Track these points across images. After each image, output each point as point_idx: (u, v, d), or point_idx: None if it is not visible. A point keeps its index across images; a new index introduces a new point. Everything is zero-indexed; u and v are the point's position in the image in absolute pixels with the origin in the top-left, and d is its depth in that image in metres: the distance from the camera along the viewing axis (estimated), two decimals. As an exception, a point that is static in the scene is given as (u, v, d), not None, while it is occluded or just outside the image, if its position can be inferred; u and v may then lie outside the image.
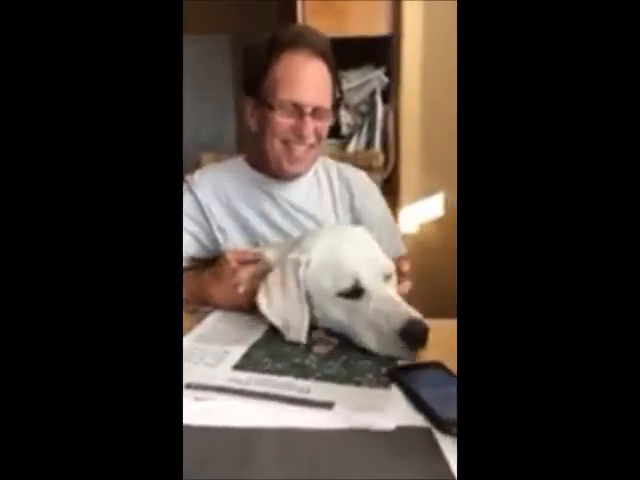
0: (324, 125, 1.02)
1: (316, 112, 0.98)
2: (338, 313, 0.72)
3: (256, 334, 0.72)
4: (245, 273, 0.80)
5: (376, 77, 1.96)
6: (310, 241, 0.79)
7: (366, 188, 1.18)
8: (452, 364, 0.60)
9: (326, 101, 1.01)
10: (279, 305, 0.74)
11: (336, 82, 1.06)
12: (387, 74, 1.96)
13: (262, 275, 0.78)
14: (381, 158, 1.81)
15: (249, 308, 0.79)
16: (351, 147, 1.91)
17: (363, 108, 2.00)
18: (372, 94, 1.96)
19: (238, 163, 1.14)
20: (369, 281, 0.71)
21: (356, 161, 1.40)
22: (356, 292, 0.71)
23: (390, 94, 1.97)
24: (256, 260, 0.83)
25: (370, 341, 0.68)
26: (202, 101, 4.75)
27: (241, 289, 0.80)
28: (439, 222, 1.92)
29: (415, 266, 1.39)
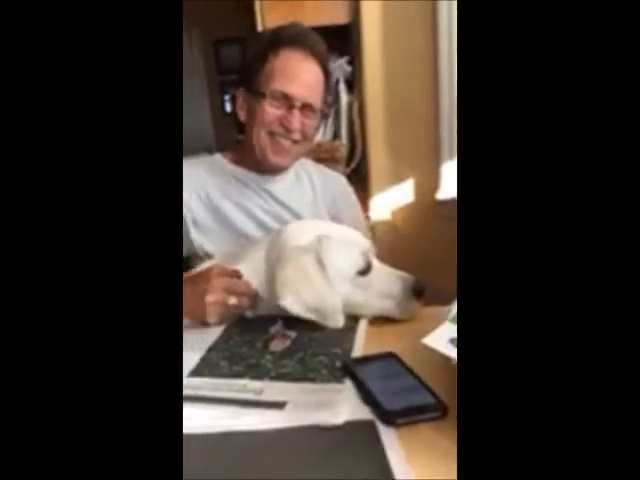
0: (311, 123, 1.06)
1: (305, 108, 1.02)
2: (354, 292, 0.76)
3: (212, 336, 0.72)
4: (218, 282, 0.76)
5: (339, 66, 1.95)
6: (306, 230, 0.80)
7: (346, 191, 1.24)
8: (408, 355, 0.61)
9: (316, 100, 1.05)
10: (309, 297, 0.73)
11: (329, 88, 1.10)
12: (350, 63, 1.95)
13: (237, 290, 0.76)
14: (344, 149, 1.82)
15: (213, 322, 0.76)
16: (316, 139, 1.90)
17: (328, 99, 1.99)
18: (335, 84, 1.95)
19: (215, 159, 1.14)
20: (372, 256, 0.79)
21: (319, 153, 1.41)
22: (367, 268, 0.77)
23: (354, 83, 1.96)
24: (238, 276, 0.79)
25: (389, 308, 0.76)
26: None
27: (209, 297, 0.74)
28: (409, 208, 1.93)
29: (386, 253, 1.40)
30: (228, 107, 4.80)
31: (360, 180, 1.86)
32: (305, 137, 1.05)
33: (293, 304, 0.72)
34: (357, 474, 0.42)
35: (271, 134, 1.03)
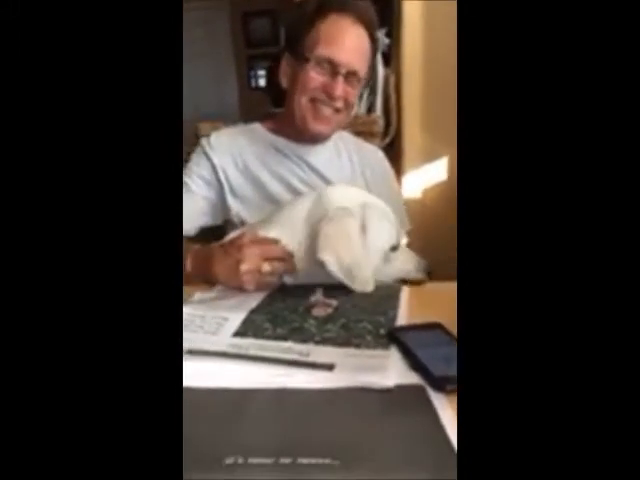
0: (354, 92, 1.04)
1: (349, 76, 1.00)
2: (381, 263, 0.79)
3: (256, 298, 0.73)
4: (250, 251, 0.74)
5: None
6: (350, 195, 0.82)
7: (384, 166, 1.22)
8: (452, 325, 0.61)
9: (361, 68, 1.02)
10: (346, 258, 0.73)
11: (374, 57, 1.08)
12: (388, 35, 1.92)
13: (271, 257, 0.75)
14: (381, 123, 1.79)
15: (251, 289, 0.75)
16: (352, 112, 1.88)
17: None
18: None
19: (255, 128, 1.14)
20: (402, 234, 0.84)
21: (356, 127, 1.38)
22: (398, 245, 0.82)
23: (391, 56, 1.92)
24: (271, 243, 0.78)
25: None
26: (202, 70, 4.65)
27: (244, 267, 0.73)
28: (442, 185, 1.90)
29: (419, 230, 1.38)
30: (254, 82, 4.74)
31: (393, 156, 1.84)
32: (347, 106, 1.04)
33: (330, 260, 0.73)
34: (411, 435, 0.42)
35: (313, 101, 1.01)
